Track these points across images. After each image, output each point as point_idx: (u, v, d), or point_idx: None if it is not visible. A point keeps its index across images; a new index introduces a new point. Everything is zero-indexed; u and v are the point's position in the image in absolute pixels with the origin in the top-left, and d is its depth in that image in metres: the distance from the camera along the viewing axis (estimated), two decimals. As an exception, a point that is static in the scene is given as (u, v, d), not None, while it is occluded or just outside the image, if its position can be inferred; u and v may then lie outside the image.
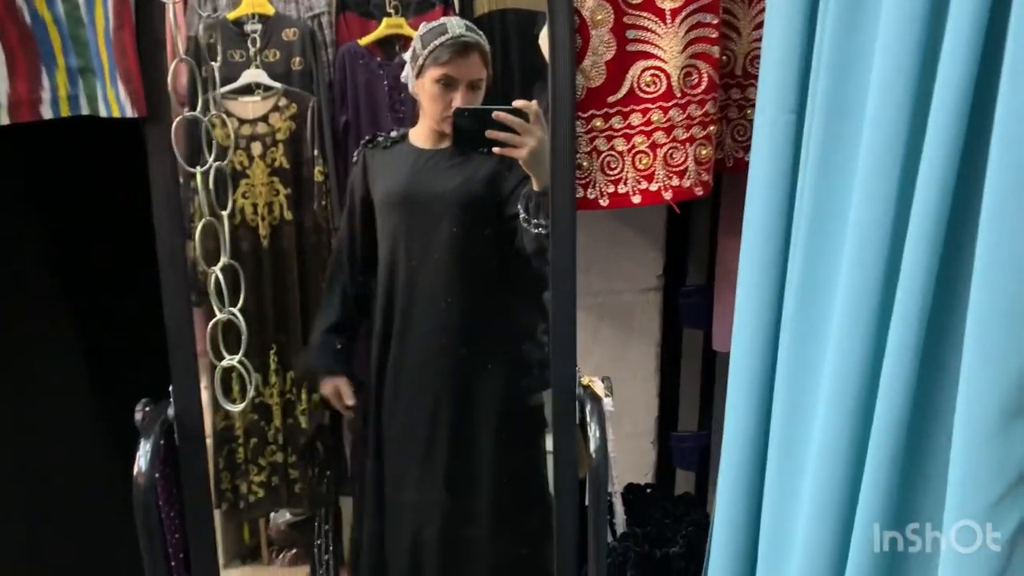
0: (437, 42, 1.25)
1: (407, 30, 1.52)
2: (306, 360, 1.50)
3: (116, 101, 1.00)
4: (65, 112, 1.00)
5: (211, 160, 0.98)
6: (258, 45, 1.46)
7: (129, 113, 0.99)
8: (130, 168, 1.35)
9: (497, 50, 1.50)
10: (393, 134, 1.38)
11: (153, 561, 1.08)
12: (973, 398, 0.65)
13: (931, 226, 0.67)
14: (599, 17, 1.07)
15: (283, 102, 1.47)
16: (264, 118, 1.48)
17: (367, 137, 1.42)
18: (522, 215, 1.19)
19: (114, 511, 1.23)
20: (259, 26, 1.45)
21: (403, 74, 1.34)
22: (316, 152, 1.56)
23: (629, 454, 1.72)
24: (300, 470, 1.63)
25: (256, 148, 1.47)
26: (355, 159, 1.41)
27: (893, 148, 0.70)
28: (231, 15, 1.44)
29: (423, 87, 1.28)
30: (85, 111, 1.01)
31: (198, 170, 0.97)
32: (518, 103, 1.14)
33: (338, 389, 1.44)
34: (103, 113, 1.01)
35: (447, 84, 1.24)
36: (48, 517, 1.22)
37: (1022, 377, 0.63)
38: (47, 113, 0.99)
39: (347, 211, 1.41)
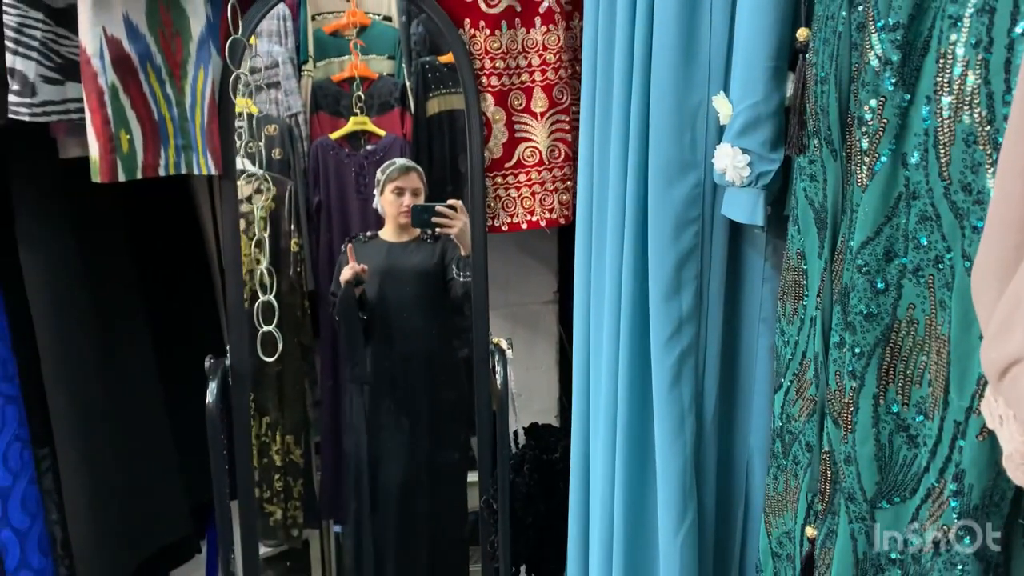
0: (391, 169, 1.86)
1: (371, 126, 1.97)
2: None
3: (205, 165, 1.63)
4: (172, 172, 1.59)
5: (262, 202, 1.61)
6: (244, 139, 1.71)
7: (214, 172, 1.62)
8: (182, 216, 1.97)
9: (446, 138, 2.03)
10: (368, 234, 1.95)
11: (218, 465, 1.65)
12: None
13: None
14: (497, 117, 1.73)
15: (264, 185, 1.79)
16: (248, 199, 1.78)
17: (350, 236, 1.96)
18: (455, 271, 1.83)
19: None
20: (244, 123, 1.73)
21: (374, 203, 1.94)
22: (293, 227, 1.94)
23: (537, 426, 2.31)
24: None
25: (240, 224, 1.67)
26: (343, 249, 1.92)
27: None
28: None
29: (385, 199, 1.88)
30: (184, 171, 1.63)
31: (255, 205, 1.61)
32: (451, 201, 1.75)
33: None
34: (196, 172, 1.63)
35: (399, 193, 1.87)
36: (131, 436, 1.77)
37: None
38: (161, 172, 1.59)
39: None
